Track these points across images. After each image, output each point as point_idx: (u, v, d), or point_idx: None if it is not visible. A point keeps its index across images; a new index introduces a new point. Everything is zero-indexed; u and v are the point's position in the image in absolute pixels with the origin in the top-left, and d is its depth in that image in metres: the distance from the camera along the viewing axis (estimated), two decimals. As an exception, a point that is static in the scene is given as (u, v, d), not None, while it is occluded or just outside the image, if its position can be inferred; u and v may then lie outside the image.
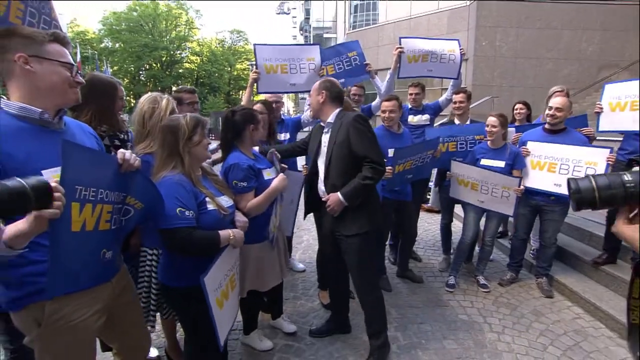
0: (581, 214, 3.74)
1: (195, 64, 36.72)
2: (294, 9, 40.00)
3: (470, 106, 3.58)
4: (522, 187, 2.92)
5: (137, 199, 1.37)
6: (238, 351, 2.43)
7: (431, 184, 4.57)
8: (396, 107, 2.97)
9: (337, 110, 2.23)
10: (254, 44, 3.13)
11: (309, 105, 3.48)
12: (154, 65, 34.52)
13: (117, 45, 33.00)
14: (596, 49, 11.13)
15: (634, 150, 2.89)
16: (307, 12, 33.34)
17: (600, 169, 2.74)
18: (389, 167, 2.72)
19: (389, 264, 3.73)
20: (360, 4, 17.70)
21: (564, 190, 2.78)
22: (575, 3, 10.82)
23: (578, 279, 3.25)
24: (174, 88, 27.45)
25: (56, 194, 0.92)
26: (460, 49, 3.37)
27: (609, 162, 2.73)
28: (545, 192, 2.98)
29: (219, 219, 1.60)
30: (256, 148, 2.24)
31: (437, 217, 4.85)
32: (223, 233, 1.58)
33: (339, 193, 2.09)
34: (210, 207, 1.58)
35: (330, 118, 2.22)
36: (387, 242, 3.68)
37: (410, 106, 3.63)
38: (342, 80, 3.34)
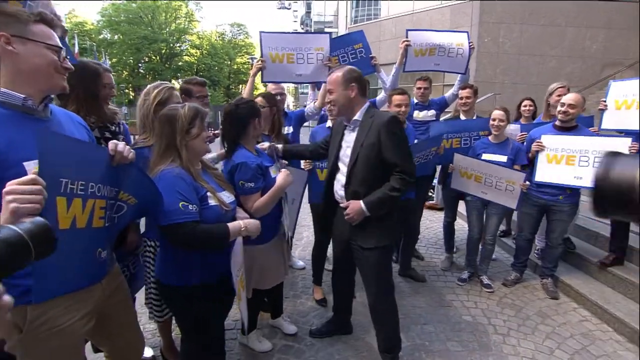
0: (586, 213, 3.67)
1: (195, 57, 36.30)
2: (295, 2, 39.60)
3: (474, 102, 3.49)
4: (527, 182, 2.85)
5: (131, 194, 1.28)
6: (236, 351, 2.36)
7: (435, 182, 4.50)
8: (408, 102, 2.88)
9: (366, 105, 1.97)
10: (260, 31, 2.95)
11: (312, 99, 3.39)
12: (153, 57, 34.12)
13: (116, 37, 32.61)
14: (600, 46, 11.02)
15: None
16: (308, 6, 33.02)
17: None
18: None
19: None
20: (362, -2, 17.49)
21: (585, 182, 2.73)
22: (579, 0, 10.69)
23: (584, 280, 3.18)
24: (173, 81, 27.21)
25: (35, 187, 0.83)
26: (470, 42, 3.25)
27: (632, 151, 2.59)
28: (565, 186, 2.86)
29: (220, 214, 1.52)
30: (265, 144, 2.12)
31: (440, 215, 4.79)
32: (232, 225, 1.49)
33: (361, 202, 1.89)
34: (212, 202, 1.50)
35: (358, 115, 1.95)
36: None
37: (416, 101, 3.53)
38: None
